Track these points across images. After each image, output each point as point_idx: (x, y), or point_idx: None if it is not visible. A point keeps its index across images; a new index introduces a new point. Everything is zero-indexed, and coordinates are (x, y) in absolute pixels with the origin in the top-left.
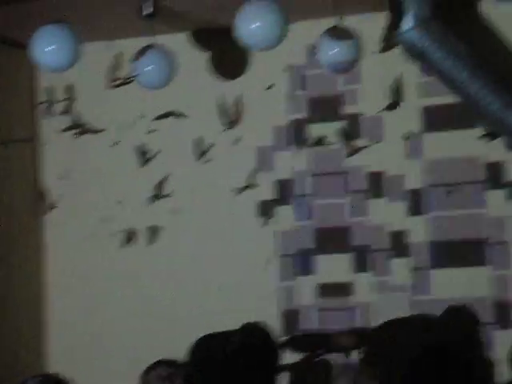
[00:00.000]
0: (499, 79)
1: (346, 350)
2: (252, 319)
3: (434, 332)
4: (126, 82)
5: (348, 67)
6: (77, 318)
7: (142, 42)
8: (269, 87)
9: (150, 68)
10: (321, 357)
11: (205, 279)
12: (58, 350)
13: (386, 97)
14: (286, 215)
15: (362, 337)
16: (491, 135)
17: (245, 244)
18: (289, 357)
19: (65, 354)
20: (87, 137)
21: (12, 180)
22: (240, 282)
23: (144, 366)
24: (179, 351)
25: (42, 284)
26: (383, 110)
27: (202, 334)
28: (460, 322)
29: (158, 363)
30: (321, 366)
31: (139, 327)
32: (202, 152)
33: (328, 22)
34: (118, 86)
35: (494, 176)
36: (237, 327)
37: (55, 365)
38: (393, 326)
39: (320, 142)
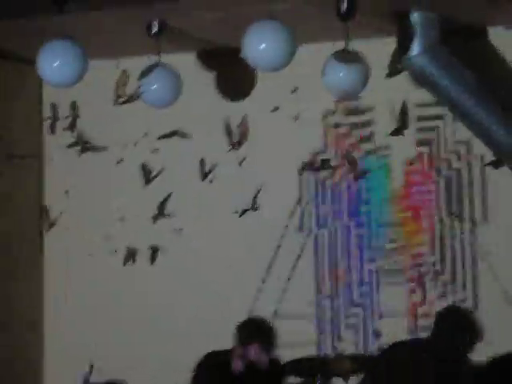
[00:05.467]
0: (506, 107)
1: (345, 375)
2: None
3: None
4: (131, 99)
5: (354, 91)
6: (76, 334)
7: (148, 60)
8: (275, 109)
9: (155, 86)
10: (320, 381)
11: (205, 300)
12: (56, 365)
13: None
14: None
15: (360, 362)
16: (497, 162)
17: (245, 266)
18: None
19: (62, 370)
20: (91, 154)
21: (15, 194)
22: (239, 302)
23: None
24: (178, 367)
25: (41, 300)
26: (390, 134)
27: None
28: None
29: None
30: None
31: (137, 344)
32: (205, 172)
33: (335, 46)
34: (122, 103)
35: None
36: None
37: (53, 379)
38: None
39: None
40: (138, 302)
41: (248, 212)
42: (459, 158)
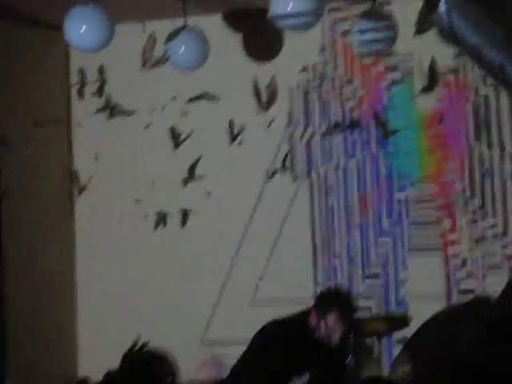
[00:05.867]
0: None
1: (379, 335)
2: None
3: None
4: (159, 63)
5: (382, 49)
6: (107, 299)
7: (175, 23)
8: (303, 69)
9: (183, 49)
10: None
11: (236, 261)
12: (89, 331)
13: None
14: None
15: (393, 322)
16: None
17: (275, 226)
18: None
19: (95, 337)
20: (120, 119)
21: (44, 160)
22: (271, 263)
23: (178, 348)
24: (212, 331)
25: (72, 266)
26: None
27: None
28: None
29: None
30: (358, 348)
31: (170, 308)
32: (234, 134)
33: (362, 6)
34: (150, 67)
35: None
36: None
37: (85, 346)
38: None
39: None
40: (170, 266)
41: (278, 173)
42: (486, 84)
